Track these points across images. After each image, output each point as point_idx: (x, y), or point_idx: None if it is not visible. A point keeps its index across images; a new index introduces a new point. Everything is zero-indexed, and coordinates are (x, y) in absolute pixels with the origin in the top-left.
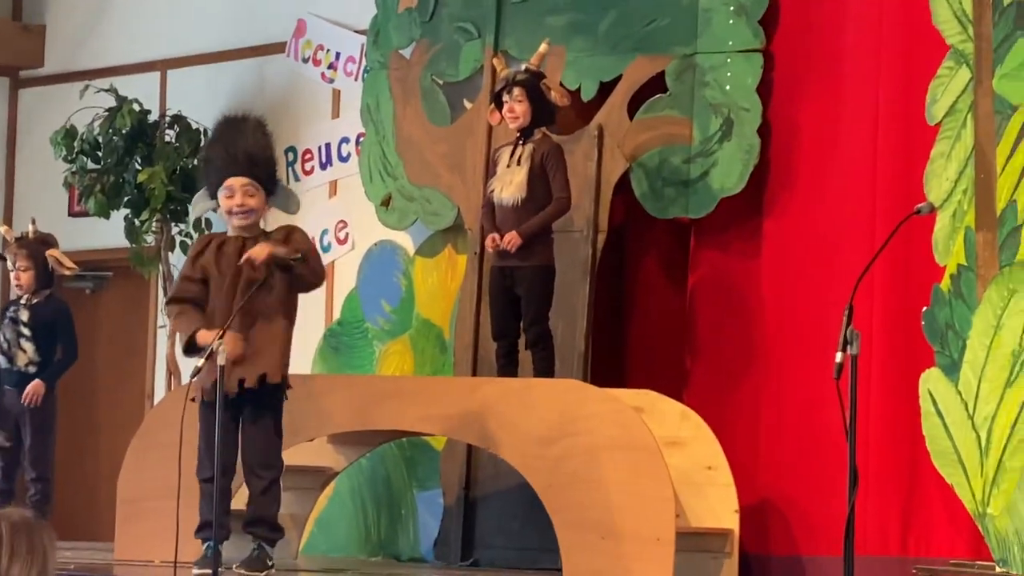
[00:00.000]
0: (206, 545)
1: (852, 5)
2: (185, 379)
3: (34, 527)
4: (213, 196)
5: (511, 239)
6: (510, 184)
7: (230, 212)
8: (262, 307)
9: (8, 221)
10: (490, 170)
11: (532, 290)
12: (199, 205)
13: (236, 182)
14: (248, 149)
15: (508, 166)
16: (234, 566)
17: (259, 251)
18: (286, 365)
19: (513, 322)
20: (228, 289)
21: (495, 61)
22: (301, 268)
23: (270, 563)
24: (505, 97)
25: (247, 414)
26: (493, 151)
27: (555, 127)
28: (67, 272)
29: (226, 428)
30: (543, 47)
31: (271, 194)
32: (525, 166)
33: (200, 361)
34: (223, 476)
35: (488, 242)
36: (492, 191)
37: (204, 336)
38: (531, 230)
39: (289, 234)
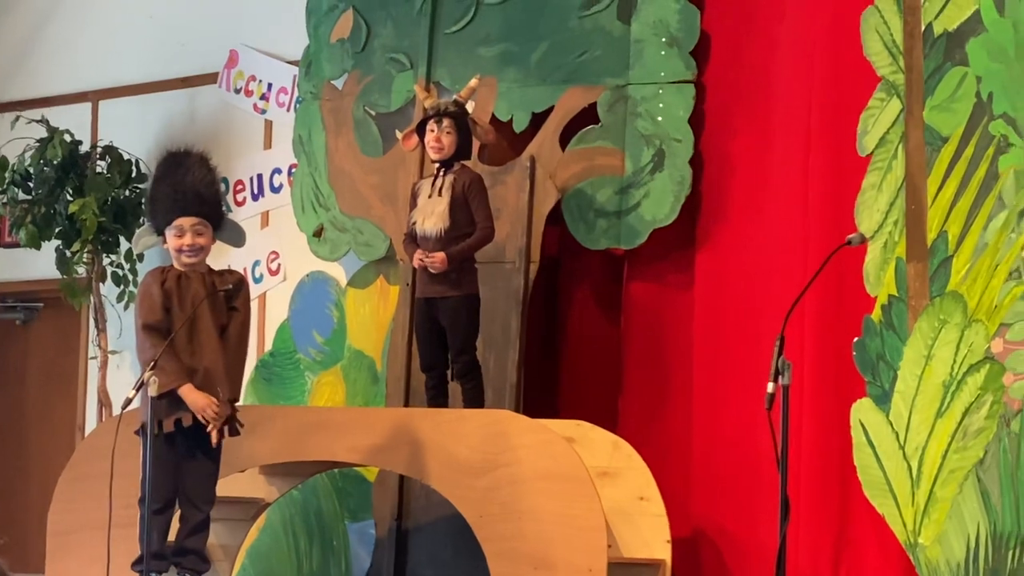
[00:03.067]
0: None
1: (783, 37)
2: (116, 410)
3: None
4: (159, 233)
5: (438, 259)
6: (432, 215)
7: (179, 251)
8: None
9: None
10: (411, 202)
11: (457, 320)
12: (143, 240)
13: (186, 222)
14: (196, 188)
15: (429, 196)
16: None
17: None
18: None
19: (441, 353)
20: (193, 328)
21: (417, 88)
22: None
23: None
24: (432, 126)
25: (190, 449)
26: (414, 184)
27: (486, 157)
28: None
29: (168, 460)
30: (474, 82)
31: (217, 229)
32: (446, 196)
33: (131, 392)
34: (167, 508)
35: (416, 257)
36: (414, 223)
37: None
38: (459, 254)
39: (236, 291)
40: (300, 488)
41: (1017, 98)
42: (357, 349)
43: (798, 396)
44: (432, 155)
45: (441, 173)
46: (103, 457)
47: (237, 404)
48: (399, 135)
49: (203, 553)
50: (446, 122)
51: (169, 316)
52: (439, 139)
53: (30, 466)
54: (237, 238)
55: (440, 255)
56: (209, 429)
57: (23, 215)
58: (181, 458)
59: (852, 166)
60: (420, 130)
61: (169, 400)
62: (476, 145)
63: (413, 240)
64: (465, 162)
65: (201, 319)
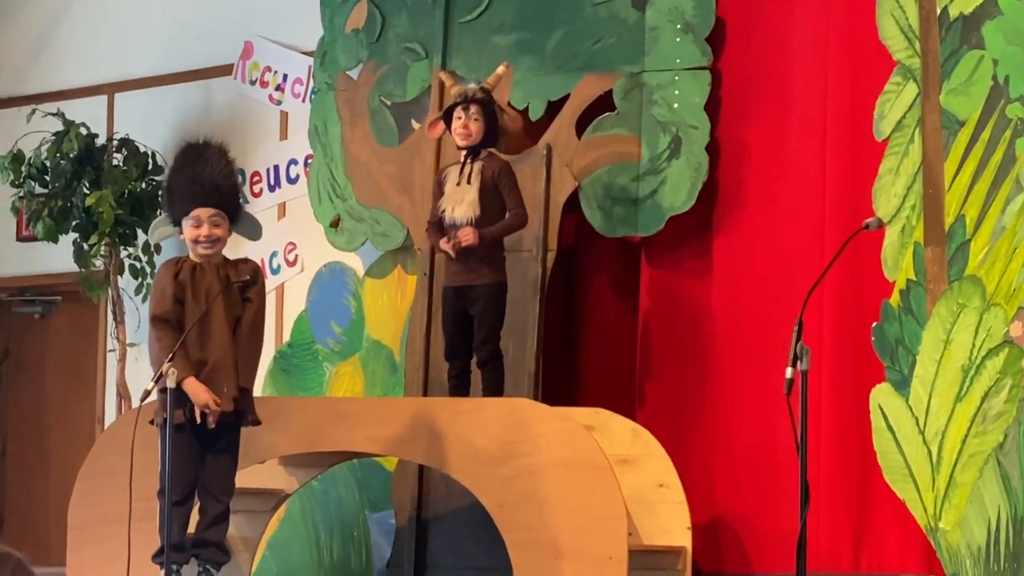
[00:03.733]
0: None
1: (799, 22)
2: (135, 403)
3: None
4: (176, 223)
5: (468, 232)
6: (462, 202)
7: (196, 241)
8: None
9: None
10: (436, 190)
11: (486, 309)
12: (159, 230)
13: (203, 212)
14: (214, 179)
15: (458, 184)
16: None
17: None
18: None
19: (466, 342)
20: (207, 319)
21: (443, 76)
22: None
23: None
24: (459, 113)
25: (212, 440)
26: (440, 170)
27: (504, 146)
28: None
29: (190, 452)
30: (501, 69)
31: (235, 222)
32: (476, 184)
33: (151, 384)
34: (187, 500)
35: (444, 242)
36: (443, 211)
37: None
38: (492, 236)
39: (251, 282)
40: (320, 479)
41: None
42: (375, 339)
43: (817, 382)
44: (459, 142)
45: (469, 160)
46: (122, 450)
47: (254, 395)
48: (415, 125)
49: (223, 545)
50: (473, 109)
51: (182, 308)
52: (467, 126)
53: (50, 459)
54: (253, 231)
55: (469, 229)
56: (210, 423)
57: (40, 208)
58: (199, 450)
59: (869, 151)
60: (447, 117)
61: (180, 392)
62: None
63: (439, 228)
64: (493, 149)
65: (214, 312)
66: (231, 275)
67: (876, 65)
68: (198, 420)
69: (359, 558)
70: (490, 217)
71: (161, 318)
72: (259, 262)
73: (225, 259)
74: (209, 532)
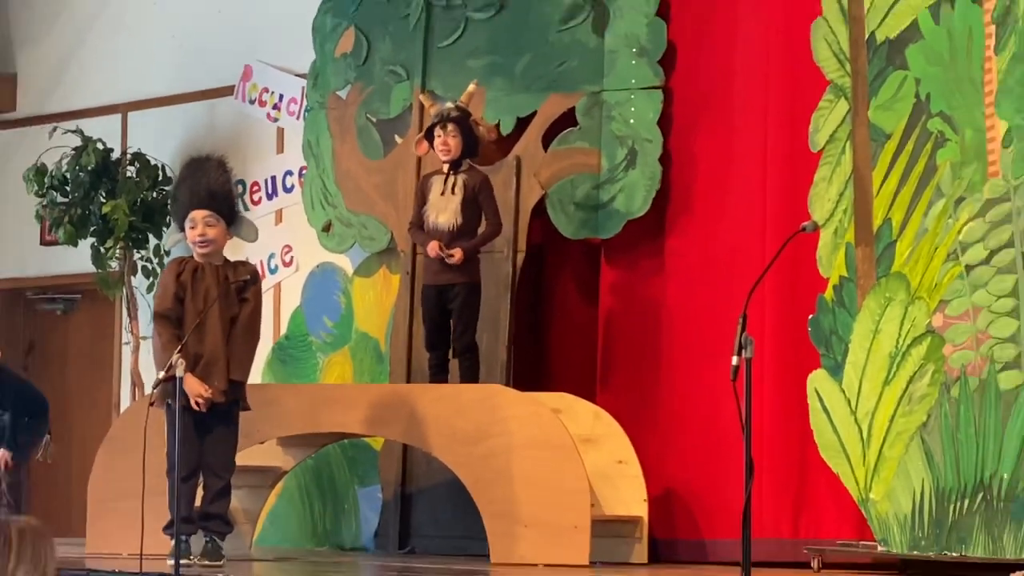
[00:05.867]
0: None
1: (742, 45)
2: (147, 390)
3: (39, 533)
4: (181, 228)
5: (457, 256)
6: (445, 211)
7: (194, 242)
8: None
9: None
10: (419, 194)
11: (463, 305)
12: (171, 237)
13: (198, 214)
14: (210, 185)
15: (442, 194)
16: (195, 558)
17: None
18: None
19: (445, 335)
20: (196, 311)
21: (422, 97)
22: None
23: (223, 554)
24: (438, 131)
25: (211, 424)
26: (423, 177)
27: (478, 158)
28: None
29: (192, 434)
30: (472, 87)
31: (231, 224)
32: (459, 195)
33: (162, 374)
34: (192, 477)
35: (433, 247)
36: (427, 216)
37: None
38: (473, 248)
39: (247, 283)
40: (314, 457)
41: (952, 98)
42: (363, 331)
43: (760, 368)
44: (441, 157)
45: (452, 172)
46: (136, 432)
47: (248, 383)
48: (398, 139)
49: (226, 517)
50: (450, 126)
51: (182, 305)
52: (446, 143)
53: (71, 441)
54: (250, 234)
55: (459, 252)
56: (201, 409)
57: (61, 216)
58: (202, 432)
59: (805, 161)
60: (429, 136)
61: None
62: None
63: (421, 228)
64: (472, 161)
65: (211, 310)
66: (230, 276)
67: (811, 84)
68: (216, 403)
69: (349, 528)
70: (469, 224)
71: (162, 314)
72: (258, 263)
73: (226, 260)
74: (213, 506)
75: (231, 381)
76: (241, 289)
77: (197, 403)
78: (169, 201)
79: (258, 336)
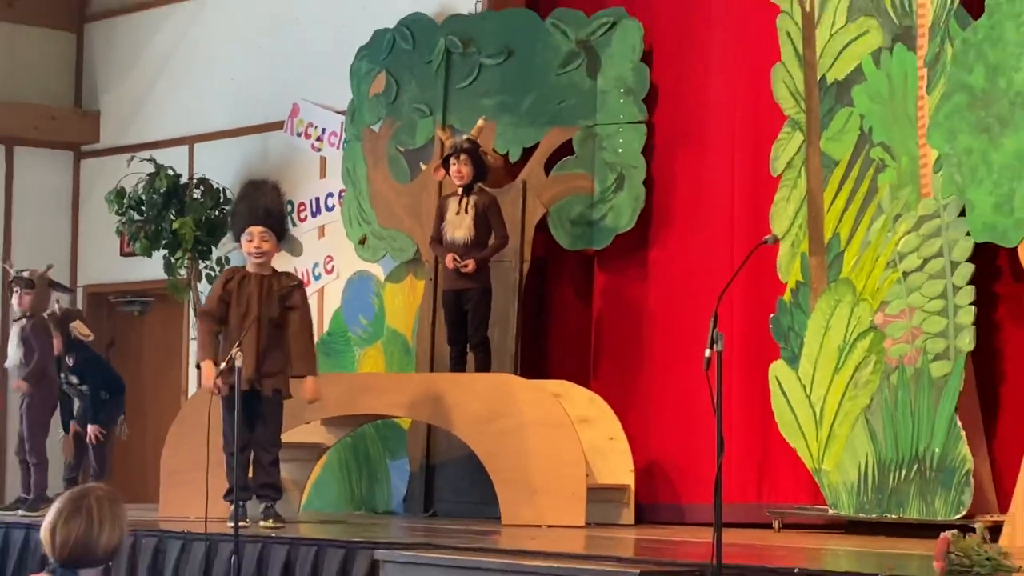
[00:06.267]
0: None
1: (713, 86)
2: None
3: (113, 499)
4: (237, 240)
5: (470, 265)
6: (460, 227)
7: (250, 253)
8: (275, 341)
9: (73, 262)
10: (438, 213)
11: (477, 307)
12: (226, 245)
13: (255, 229)
14: (267, 205)
15: (457, 213)
16: (259, 521)
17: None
18: (288, 379)
19: (462, 332)
20: (245, 318)
21: (440, 132)
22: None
23: (282, 517)
24: (453, 160)
25: (260, 409)
26: (441, 199)
27: (490, 182)
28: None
29: (243, 416)
30: (480, 123)
31: (281, 240)
32: (471, 213)
33: (223, 364)
34: (245, 452)
35: (449, 260)
36: (445, 231)
37: (207, 367)
38: (483, 258)
39: (292, 291)
40: (352, 435)
41: (891, 130)
42: (393, 329)
43: (728, 359)
44: (456, 182)
45: (464, 195)
46: (201, 415)
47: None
48: (423, 166)
49: (277, 485)
50: (463, 156)
51: (227, 308)
52: (459, 170)
53: (146, 422)
54: (296, 249)
55: (472, 263)
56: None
57: (137, 232)
58: (253, 415)
59: (766, 184)
60: (445, 164)
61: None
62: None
63: (440, 243)
64: (482, 184)
65: (251, 313)
66: (275, 285)
67: (771, 119)
68: (258, 391)
69: (382, 495)
70: (480, 238)
71: (205, 312)
72: (304, 271)
73: (273, 271)
74: (265, 476)
75: (280, 375)
76: (286, 296)
77: (214, 390)
78: (229, 215)
79: (312, 333)
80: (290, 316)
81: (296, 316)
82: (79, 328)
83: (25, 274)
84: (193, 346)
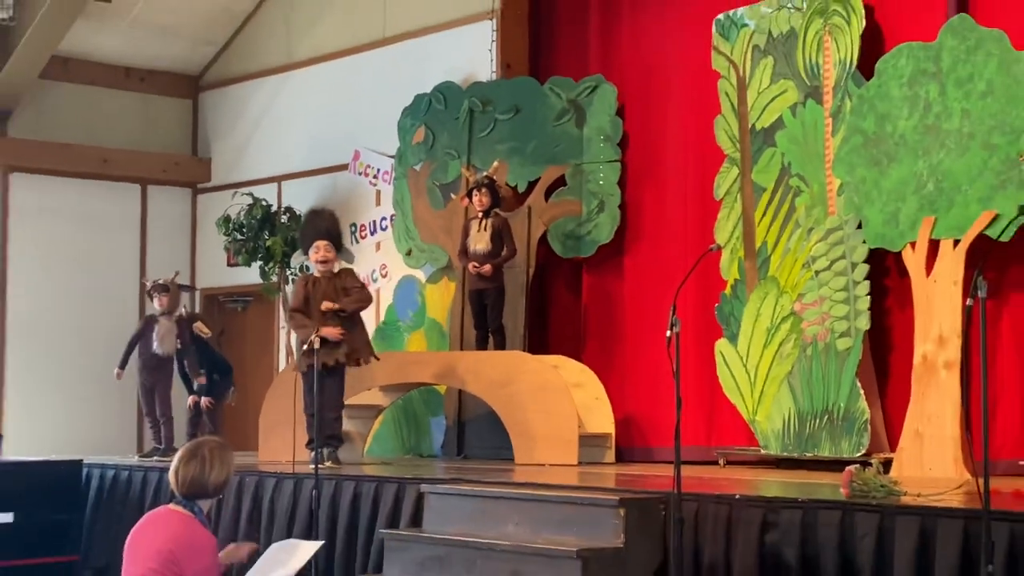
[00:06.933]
0: (313, 452)
1: (671, 133)
2: (295, 358)
3: (224, 447)
4: (305, 252)
5: (487, 269)
6: (480, 241)
7: (317, 261)
8: (339, 325)
9: (193, 272)
10: (464, 231)
11: (495, 302)
12: (301, 257)
13: (321, 243)
14: (327, 225)
15: (478, 231)
16: (327, 463)
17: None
18: (347, 353)
19: (484, 320)
20: (319, 308)
21: (465, 171)
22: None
23: (340, 460)
24: (475, 192)
25: (328, 379)
26: (466, 221)
27: (503, 208)
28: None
29: (320, 386)
30: (495, 164)
31: (339, 250)
32: (488, 232)
33: (304, 347)
34: (319, 412)
35: (471, 268)
36: (468, 244)
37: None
38: (498, 265)
39: (347, 275)
40: (402, 399)
41: (805, 165)
42: (432, 318)
43: (685, 339)
44: (477, 208)
45: (484, 218)
46: (289, 385)
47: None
48: (453, 196)
49: (339, 435)
50: (483, 189)
51: (307, 304)
52: (480, 200)
53: (248, 391)
54: (350, 258)
55: (488, 267)
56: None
57: (240, 248)
58: (322, 384)
59: (711, 205)
60: (469, 195)
61: (313, 353)
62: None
63: (465, 254)
64: (497, 210)
65: (328, 299)
66: (336, 282)
67: (715, 157)
68: (329, 366)
69: (426, 444)
70: (496, 250)
71: (296, 309)
72: (366, 276)
73: (334, 272)
74: (329, 428)
75: (344, 351)
76: (347, 287)
77: (324, 338)
78: (299, 234)
79: (360, 302)
80: (351, 292)
81: (356, 288)
82: (200, 327)
83: (160, 281)
84: (282, 333)
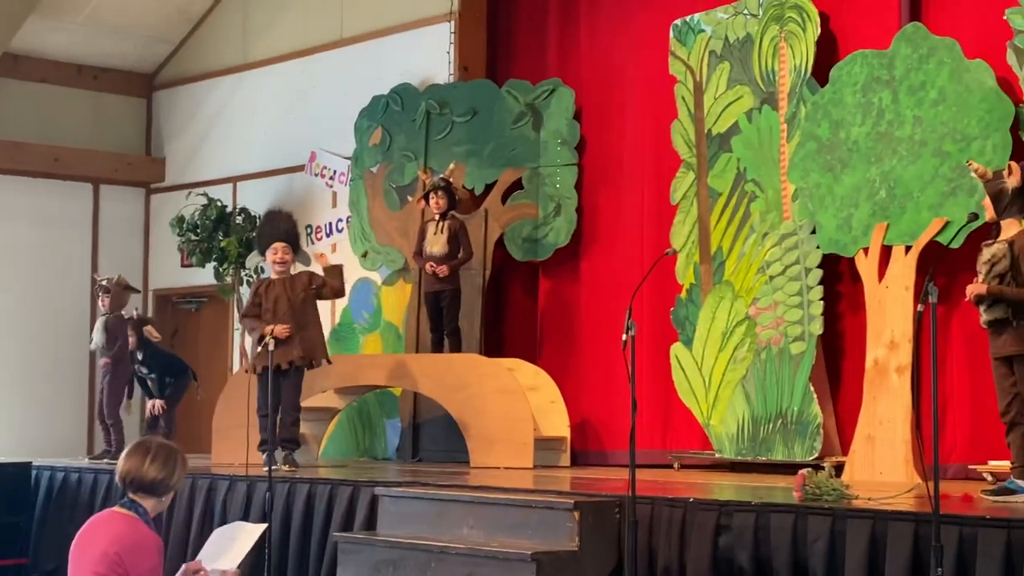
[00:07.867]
0: (265, 453)
1: (629, 139)
2: (249, 359)
3: (173, 448)
4: (262, 254)
5: (443, 270)
6: (436, 243)
7: (274, 263)
8: (296, 327)
9: (146, 272)
10: (420, 234)
11: (450, 304)
12: (257, 258)
13: (279, 245)
14: (285, 227)
15: (434, 233)
16: (283, 466)
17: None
18: (304, 357)
19: (440, 323)
20: (274, 314)
21: (422, 173)
22: (332, 283)
23: (297, 463)
24: (432, 195)
25: (283, 381)
26: (422, 223)
27: (460, 210)
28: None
29: (271, 387)
30: (452, 166)
31: (296, 252)
32: (445, 234)
33: (259, 348)
34: (273, 414)
35: (428, 268)
36: (425, 246)
37: (265, 331)
38: (454, 267)
39: (306, 276)
40: (357, 401)
41: (760, 170)
42: (388, 321)
43: (640, 342)
44: (434, 211)
45: (440, 220)
46: (242, 386)
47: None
48: (409, 199)
49: (296, 439)
50: (440, 192)
51: (259, 308)
52: (437, 202)
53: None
54: (306, 259)
55: (444, 267)
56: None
57: (193, 249)
58: (277, 386)
59: (668, 210)
60: (426, 198)
61: (268, 353)
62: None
63: (421, 255)
64: (454, 212)
65: (280, 305)
66: (296, 283)
67: (671, 162)
68: (285, 368)
69: (381, 447)
70: (452, 252)
71: (246, 314)
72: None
73: (291, 275)
74: (287, 432)
75: (299, 353)
76: (309, 281)
77: (275, 338)
78: (256, 236)
79: (335, 282)
80: (323, 289)
81: (326, 280)
82: (150, 331)
83: (104, 281)
84: (236, 335)
